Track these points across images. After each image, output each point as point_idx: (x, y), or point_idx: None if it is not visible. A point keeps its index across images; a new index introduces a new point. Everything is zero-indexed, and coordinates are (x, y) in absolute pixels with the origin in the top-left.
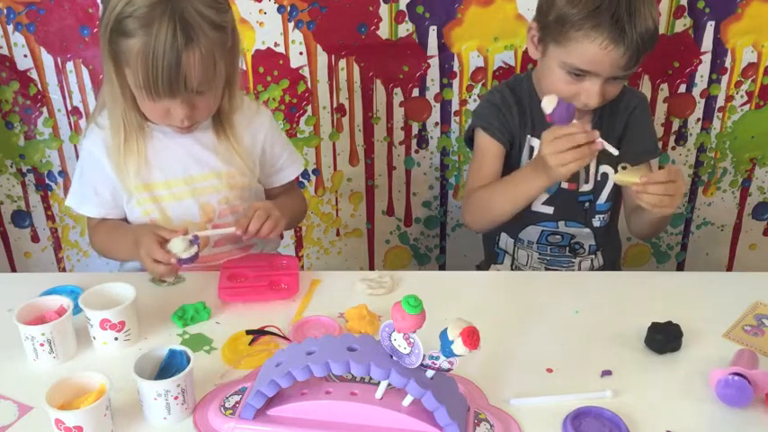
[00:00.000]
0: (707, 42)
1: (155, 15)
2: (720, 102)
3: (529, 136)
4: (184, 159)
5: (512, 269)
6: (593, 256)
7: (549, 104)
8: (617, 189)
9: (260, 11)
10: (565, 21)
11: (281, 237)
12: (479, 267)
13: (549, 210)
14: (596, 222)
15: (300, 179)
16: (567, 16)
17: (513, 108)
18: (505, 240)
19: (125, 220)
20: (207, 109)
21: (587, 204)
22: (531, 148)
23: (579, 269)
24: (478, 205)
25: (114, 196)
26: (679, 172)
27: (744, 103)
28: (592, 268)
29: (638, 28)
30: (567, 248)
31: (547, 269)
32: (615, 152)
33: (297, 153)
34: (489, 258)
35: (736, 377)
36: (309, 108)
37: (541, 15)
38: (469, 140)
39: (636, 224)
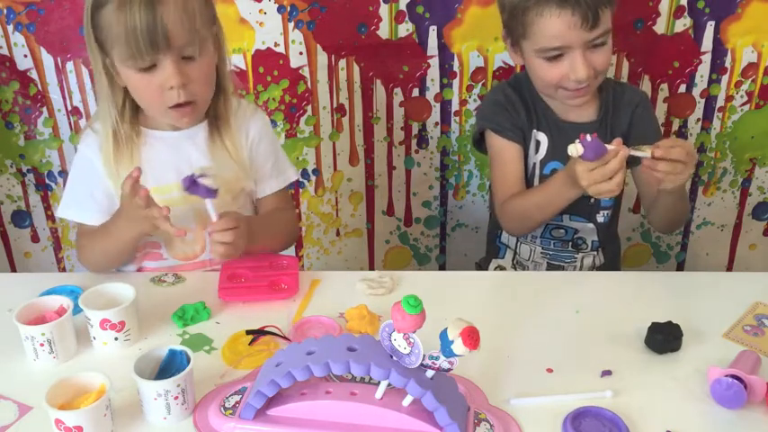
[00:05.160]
0: (707, 42)
1: None
2: (720, 102)
3: (535, 131)
4: (178, 164)
5: (513, 264)
6: (595, 253)
7: (575, 152)
8: None
9: (260, 11)
10: (516, 11)
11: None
12: (480, 264)
13: None
14: (600, 218)
15: (300, 179)
16: (516, 6)
17: (517, 104)
18: (508, 235)
19: None
20: (201, 81)
21: (593, 200)
22: (537, 143)
23: (581, 265)
24: (515, 215)
25: (111, 201)
26: (687, 143)
27: (744, 103)
28: (593, 265)
29: None
30: (570, 243)
31: (549, 264)
32: (649, 155)
33: (286, 165)
34: (491, 253)
35: (731, 379)
36: (309, 108)
37: (502, 19)
38: (477, 142)
39: (656, 214)
